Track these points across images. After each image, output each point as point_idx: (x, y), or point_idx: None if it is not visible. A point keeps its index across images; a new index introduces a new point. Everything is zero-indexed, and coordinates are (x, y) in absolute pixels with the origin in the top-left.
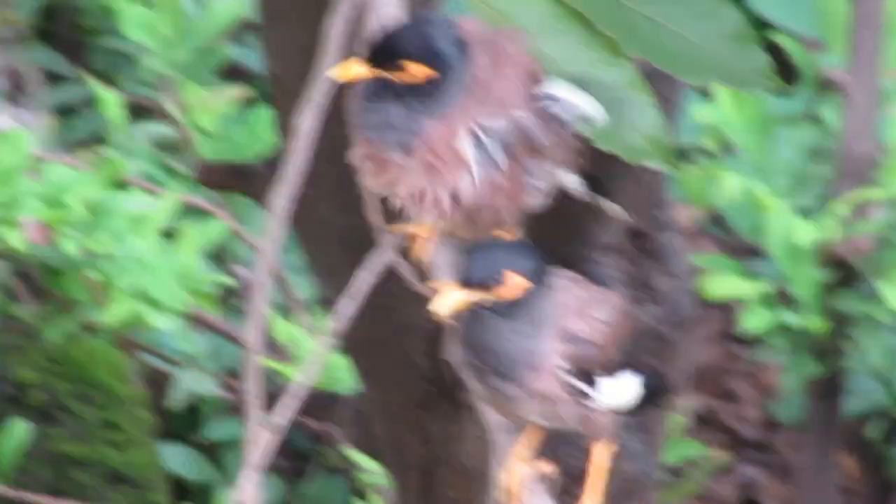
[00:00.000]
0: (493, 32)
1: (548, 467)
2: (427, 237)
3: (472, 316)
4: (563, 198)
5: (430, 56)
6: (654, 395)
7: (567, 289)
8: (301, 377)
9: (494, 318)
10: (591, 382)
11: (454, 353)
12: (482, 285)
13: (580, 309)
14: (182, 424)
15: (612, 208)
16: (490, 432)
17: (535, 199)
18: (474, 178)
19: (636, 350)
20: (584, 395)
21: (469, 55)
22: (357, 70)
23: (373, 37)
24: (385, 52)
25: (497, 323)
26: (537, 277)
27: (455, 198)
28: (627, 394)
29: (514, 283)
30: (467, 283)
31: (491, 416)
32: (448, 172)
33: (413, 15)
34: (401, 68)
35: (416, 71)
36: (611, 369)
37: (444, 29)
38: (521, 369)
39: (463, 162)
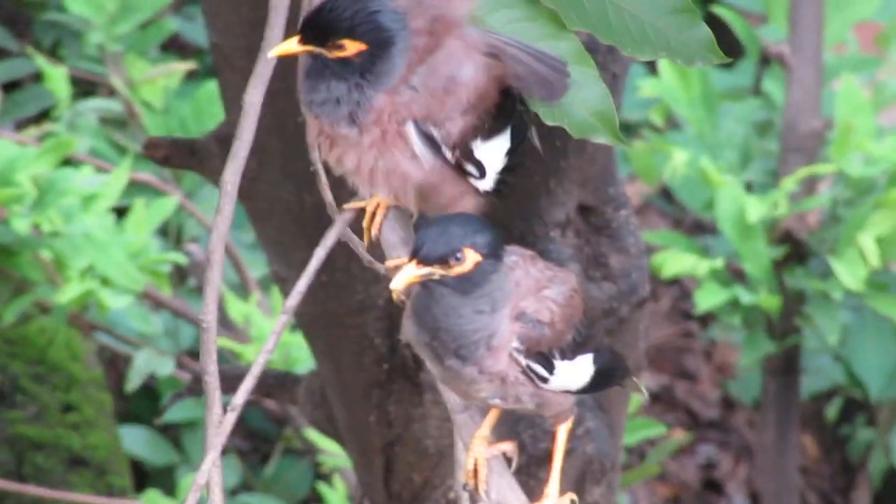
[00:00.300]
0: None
1: (509, 447)
2: (380, 212)
3: (427, 294)
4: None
5: (362, 30)
6: (610, 374)
7: (522, 267)
8: (258, 357)
9: (451, 296)
10: (546, 364)
11: (409, 333)
12: (441, 262)
13: (536, 289)
14: (141, 406)
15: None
16: (451, 413)
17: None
18: (422, 162)
19: (591, 330)
20: (540, 377)
21: (406, 26)
22: (293, 47)
23: (307, 13)
24: (318, 28)
25: (454, 302)
26: (495, 253)
27: (404, 176)
28: (583, 374)
29: (474, 261)
30: (425, 260)
31: (450, 396)
32: (396, 149)
33: None
34: (335, 44)
35: (350, 46)
36: (566, 351)
37: (377, 1)
38: (478, 350)
39: (409, 146)
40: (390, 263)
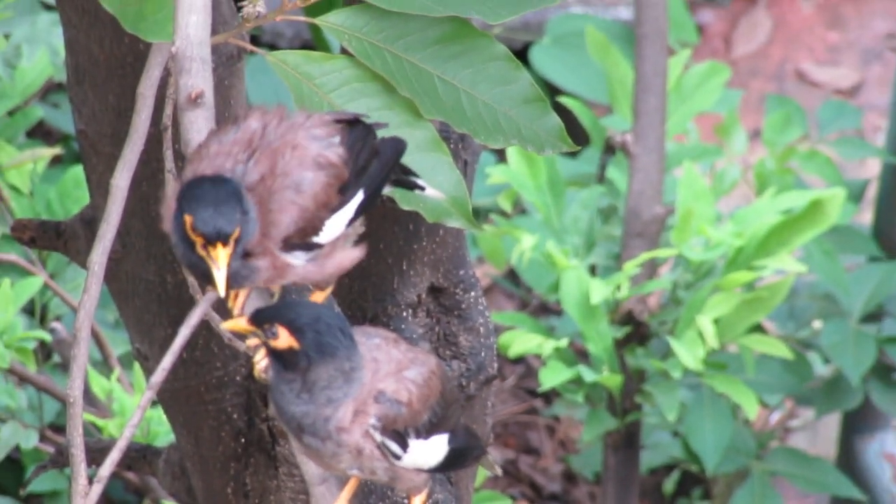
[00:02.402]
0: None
1: None
2: (243, 292)
3: (280, 373)
4: (369, 257)
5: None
6: (465, 454)
7: (382, 348)
8: (123, 431)
9: (279, 379)
10: (400, 442)
11: (273, 409)
12: (260, 327)
13: (396, 370)
14: (5, 477)
15: (430, 191)
16: (309, 486)
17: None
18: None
19: (447, 411)
20: (393, 453)
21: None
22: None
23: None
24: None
25: (282, 386)
26: (320, 349)
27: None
28: (436, 453)
29: (287, 342)
30: (252, 319)
31: (310, 467)
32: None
33: None
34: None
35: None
36: (420, 430)
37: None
38: (330, 427)
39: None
40: (250, 342)
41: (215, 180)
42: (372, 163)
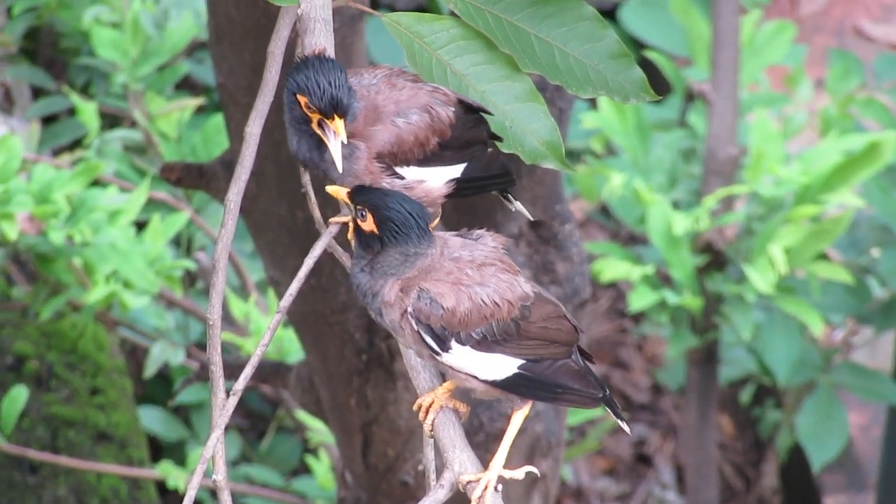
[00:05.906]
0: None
1: (462, 407)
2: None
3: (358, 247)
4: (476, 195)
5: (342, 108)
6: (545, 387)
7: (463, 259)
8: (256, 349)
9: (371, 256)
10: (437, 339)
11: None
12: (355, 206)
13: (454, 281)
14: (156, 390)
15: (518, 206)
16: (418, 391)
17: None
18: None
19: (529, 342)
20: (430, 347)
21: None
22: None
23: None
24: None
25: (372, 259)
26: (395, 237)
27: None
28: (499, 370)
29: (370, 227)
30: (351, 196)
31: (419, 382)
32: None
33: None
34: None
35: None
36: (466, 339)
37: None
38: (377, 303)
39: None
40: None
41: (319, 56)
42: (476, 146)
